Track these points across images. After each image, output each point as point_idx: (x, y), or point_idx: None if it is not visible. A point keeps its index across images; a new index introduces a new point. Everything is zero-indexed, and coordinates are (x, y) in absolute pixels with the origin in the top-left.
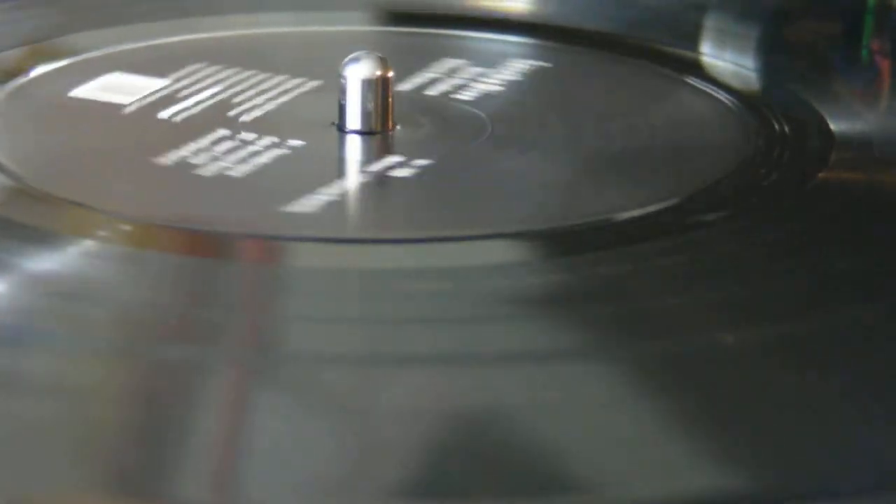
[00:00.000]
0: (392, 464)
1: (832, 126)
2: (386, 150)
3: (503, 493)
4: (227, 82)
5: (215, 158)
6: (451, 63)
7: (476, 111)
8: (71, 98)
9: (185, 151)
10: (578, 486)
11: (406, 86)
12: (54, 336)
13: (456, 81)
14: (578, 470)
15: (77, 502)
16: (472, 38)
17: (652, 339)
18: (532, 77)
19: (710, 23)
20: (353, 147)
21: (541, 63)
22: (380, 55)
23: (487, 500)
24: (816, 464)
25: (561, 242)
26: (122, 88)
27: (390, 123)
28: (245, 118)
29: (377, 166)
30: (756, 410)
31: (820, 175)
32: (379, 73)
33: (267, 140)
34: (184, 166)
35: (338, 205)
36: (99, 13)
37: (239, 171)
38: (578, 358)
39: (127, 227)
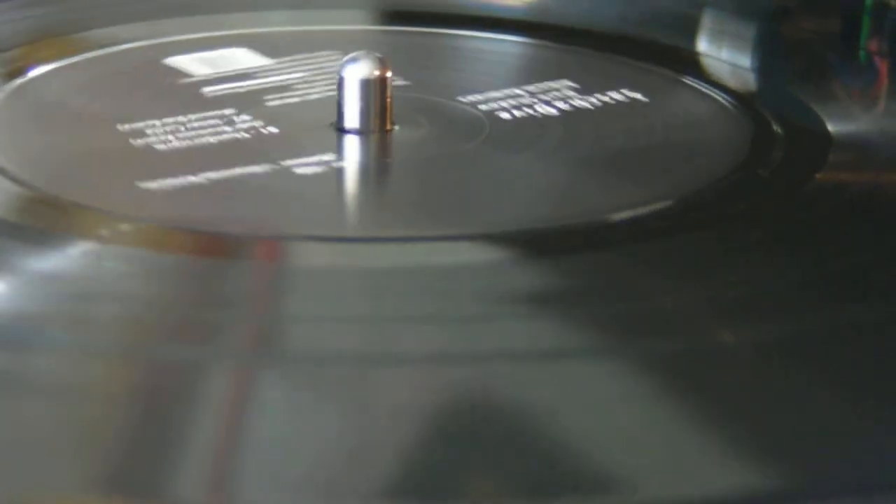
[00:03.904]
0: (390, 463)
1: (829, 127)
2: (385, 149)
3: (503, 493)
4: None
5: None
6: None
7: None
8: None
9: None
10: (578, 487)
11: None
12: (53, 336)
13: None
14: (578, 470)
15: (77, 502)
16: (472, 37)
17: (650, 339)
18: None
19: (706, 22)
20: (351, 147)
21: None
22: (378, 55)
23: (487, 501)
24: (816, 463)
25: (559, 242)
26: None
27: (389, 123)
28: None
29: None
30: (755, 410)
31: (817, 176)
32: (377, 73)
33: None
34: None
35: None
36: (99, 13)
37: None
38: (577, 358)
39: (126, 227)
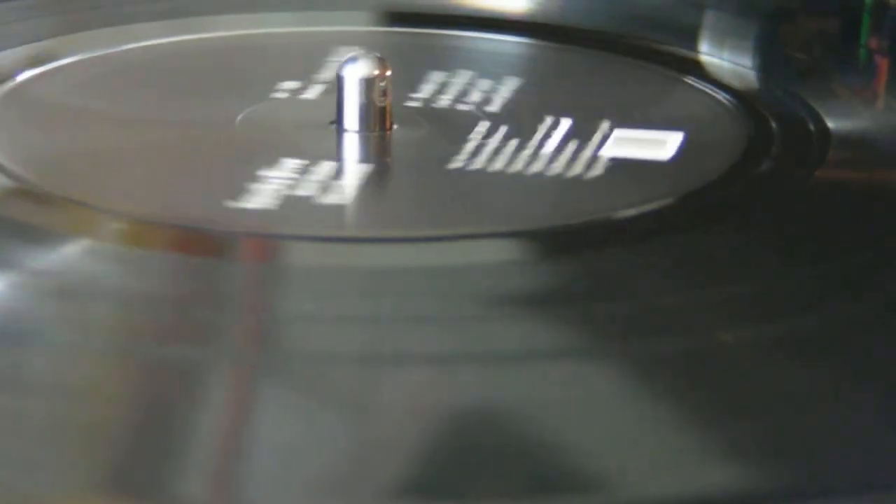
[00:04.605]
0: (392, 463)
1: (829, 124)
2: (385, 149)
3: (503, 493)
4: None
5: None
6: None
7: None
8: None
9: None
10: (578, 486)
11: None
12: (54, 335)
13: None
14: (578, 470)
15: (77, 502)
16: (472, 38)
17: (650, 339)
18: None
19: (707, 21)
20: (351, 146)
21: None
22: (378, 55)
23: (487, 501)
24: (816, 463)
25: (560, 241)
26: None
27: (388, 123)
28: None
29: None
30: (756, 409)
31: (817, 173)
32: (377, 72)
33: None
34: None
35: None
36: (99, 14)
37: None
38: (578, 357)
39: (125, 226)
